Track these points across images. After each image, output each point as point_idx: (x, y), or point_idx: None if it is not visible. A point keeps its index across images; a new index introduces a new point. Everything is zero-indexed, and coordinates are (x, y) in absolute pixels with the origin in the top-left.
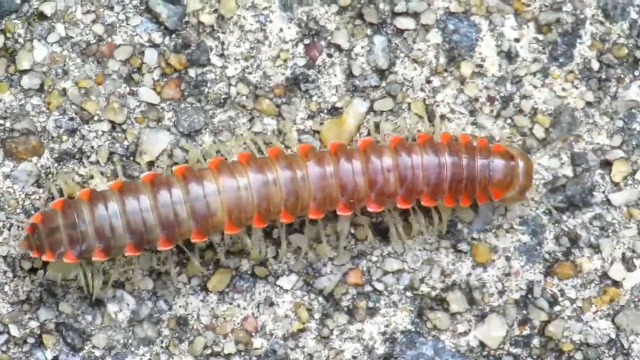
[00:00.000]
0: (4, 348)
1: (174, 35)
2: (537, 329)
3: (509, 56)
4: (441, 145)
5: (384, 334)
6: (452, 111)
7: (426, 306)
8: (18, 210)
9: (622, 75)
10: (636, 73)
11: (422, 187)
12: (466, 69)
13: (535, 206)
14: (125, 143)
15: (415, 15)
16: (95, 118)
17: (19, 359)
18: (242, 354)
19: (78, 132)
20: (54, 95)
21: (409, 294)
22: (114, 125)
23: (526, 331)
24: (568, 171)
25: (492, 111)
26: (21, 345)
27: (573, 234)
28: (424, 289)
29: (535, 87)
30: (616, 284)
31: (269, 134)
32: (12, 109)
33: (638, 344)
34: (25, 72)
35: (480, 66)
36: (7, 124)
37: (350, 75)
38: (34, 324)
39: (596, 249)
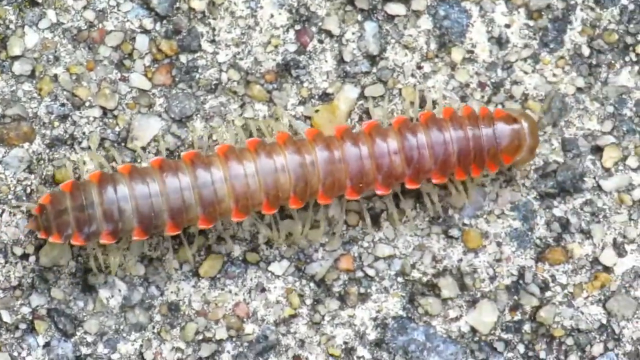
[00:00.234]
0: None
1: (165, 21)
2: (528, 315)
3: (500, 42)
4: (444, 121)
5: (375, 319)
6: (443, 97)
7: (417, 292)
8: (10, 196)
9: (612, 61)
10: (627, 59)
11: (430, 165)
12: (457, 54)
13: (527, 192)
14: (117, 129)
15: (406, 1)
16: (87, 104)
17: (11, 344)
18: (234, 339)
19: (69, 118)
20: (45, 81)
21: (400, 279)
22: (105, 111)
23: (517, 317)
24: (559, 157)
25: (483, 97)
26: (13, 331)
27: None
28: (415, 274)
29: (526, 73)
30: (607, 269)
31: (282, 121)
32: (4, 95)
33: (629, 329)
34: (16, 58)
35: (471, 52)
36: None
37: (341, 61)
38: (25, 310)
39: (587, 234)
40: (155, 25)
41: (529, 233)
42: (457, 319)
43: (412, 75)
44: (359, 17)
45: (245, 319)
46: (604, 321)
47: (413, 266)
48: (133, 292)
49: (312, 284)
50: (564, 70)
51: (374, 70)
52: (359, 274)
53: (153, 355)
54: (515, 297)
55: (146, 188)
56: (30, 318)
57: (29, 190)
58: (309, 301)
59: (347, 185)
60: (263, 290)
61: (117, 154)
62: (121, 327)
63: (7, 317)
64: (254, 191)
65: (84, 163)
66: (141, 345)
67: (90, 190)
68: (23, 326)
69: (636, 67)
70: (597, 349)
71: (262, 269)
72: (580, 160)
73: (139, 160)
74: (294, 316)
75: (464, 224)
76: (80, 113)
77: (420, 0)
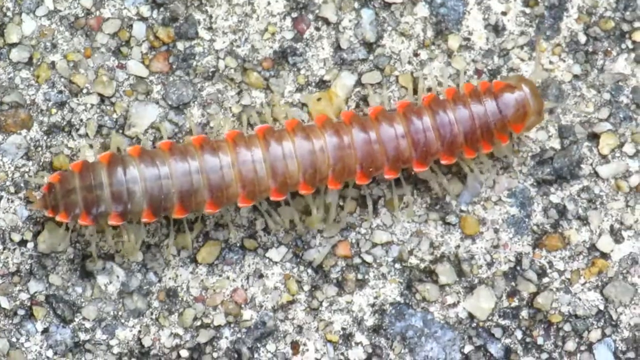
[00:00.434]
0: None
1: (162, 9)
2: (526, 301)
3: (496, 29)
4: (446, 102)
5: (373, 305)
6: (440, 84)
7: (415, 278)
8: (8, 183)
9: (609, 48)
10: (623, 46)
11: (437, 147)
12: (453, 42)
13: (524, 179)
14: (114, 116)
15: None
16: (84, 91)
17: (10, 330)
18: (232, 325)
19: (67, 105)
20: (42, 69)
21: (397, 265)
22: (102, 98)
23: (515, 303)
24: (556, 144)
25: None
26: (11, 317)
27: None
28: (413, 260)
29: (522, 60)
30: (604, 255)
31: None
32: (1, 82)
33: (626, 315)
34: (14, 45)
35: (468, 39)
36: None
37: (338, 48)
38: (24, 296)
39: (584, 221)
40: (152, 12)
41: (526, 220)
42: (454, 305)
43: (409, 63)
44: (356, 5)
45: (243, 305)
46: (602, 307)
47: (410, 252)
48: (131, 279)
49: (309, 270)
50: (560, 57)
51: (371, 57)
52: (357, 260)
53: (151, 341)
54: (513, 284)
55: (156, 170)
56: (29, 304)
57: (26, 177)
58: (306, 287)
59: (357, 170)
60: (261, 276)
61: (120, 139)
62: (119, 313)
63: (5, 304)
64: (261, 177)
65: (79, 151)
66: (139, 331)
67: (99, 171)
68: (21, 312)
69: (632, 55)
70: (595, 335)
71: (259, 256)
72: (577, 147)
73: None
74: (291, 302)
75: (461, 211)
76: (78, 100)
77: None
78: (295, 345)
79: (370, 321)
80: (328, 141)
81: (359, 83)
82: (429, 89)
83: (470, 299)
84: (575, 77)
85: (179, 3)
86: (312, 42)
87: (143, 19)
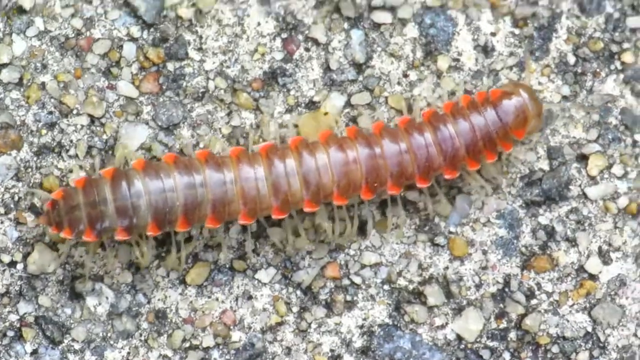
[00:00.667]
0: None
1: (152, 29)
2: (514, 322)
3: (486, 50)
4: (446, 116)
5: (361, 327)
6: (429, 105)
7: (404, 299)
8: None
9: (598, 69)
10: (612, 67)
11: (439, 162)
12: (443, 63)
13: (512, 200)
14: (104, 137)
15: (392, 10)
16: (74, 112)
17: None
18: (221, 347)
19: (57, 126)
20: (33, 89)
21: (386, 287)
22: (92, 119)
23: (503, 324)
24: (544, 165)
25: None
26: (1, 339)
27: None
28: (402, 282)
29: (511, 81)
30: (592, 277)
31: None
32: None
33: (614, 337)
34: (4, 65)
35: (457, 60)
36: None
37: (327, 69)
38: (13, 317)
39: (572, 242)
40: (142, 33)
41: (515, 241)
42: (443, 326)
43: (399, 84)
44: (346, 25)
45: (232, 327)
46: (590, 329)
47: (399, 274)
48: (120, 300)
49: (298, 292)
50: (549, 78)
51: (360, 78)
52: (346, 281)
53: None
54: (501, 305)
55: (160, 183)
56: (18, 325)
57: (16, 198)
58: (295, 309)
59: (362, 185)
60: (250, 297)
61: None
62: (108, 334)
63: None
64: (263, 195)
65: (71, 171)
66: (128, 353)
67: (103, 187)
68: (11, 334)
69: (621, 76)
70: (583, 356)
71: (248, 277)
72: (566, 168)
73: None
74: (280, 324)
75: (450, 232)
76: (68, 121)
77: (406, 8)
78: None
79: (358, 343)
80: (332, 157)
81: (348, 104)
82: (422, 110)
83: (458, 321)
84: (564, 98)
85: (169, 24)
86: (301, 63)
87: (133, 39)
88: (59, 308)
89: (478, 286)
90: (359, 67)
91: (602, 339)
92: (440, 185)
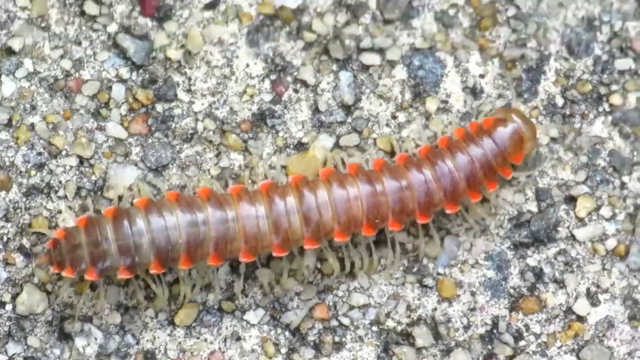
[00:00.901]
0: None
1: (141, 71)
2: None
3: (474, 92)
4: (443, 151)
5: None
6: (418, 146)
7: (392, 341)
8: None
9: (586, 111)
10: (600, 109)
11: (440, 198)
12: (431, 104)
13: (500, 242)
14: (93, 178)
15: (381, 51)
16: (63, 153)
17: None
18: None
19: (46, 167)
20: (22, 130)
21: (375, 328)
22: (81, 160)
23: None
24: (533, 206)
25: None
26: None
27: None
28: (390, 323)
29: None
30: (581, 319)
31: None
32: None
33: None
34: None
35: (446, 102)
36: None
37: (316, 110)
38: (2, 358)
39: (561, 284)
40: (131, 74)
41: (503, 282)
42: None
43: (387, 125)
44: (334, 67)
45: None
46: None
47: (388, 315)
48: (109, 341)
49: (287, 333)
50: (537, 120)
51: (349, 119)
52: (334, 322)
53: None
54: (489, 347)
55: (163, 221)
56: None
57: (5, 239)
58: (284, 350)
59: (363, 222)
60: (238, 339)
61: (91, 204)
62: None
63: None
64: (263, 233)
65: (60, 212)
66: None
67: (105, 225)
68: None
69: (610, 118)
70: None
71: (237, 318)
72: (554, 210)
73: None
74: None
75: (439, 274)
76: (57, 162)
77: (395, 50)
78: None
79: None
80: (333, 194)
81: (337, 145)
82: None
83: None
84: (553, 139)
85: (158, 65)
86: (290, 105)
87: (122, 80)
88: (47, 349)
89: (466, 327)
90: (347, 109)
91: None
92: (429, 227)
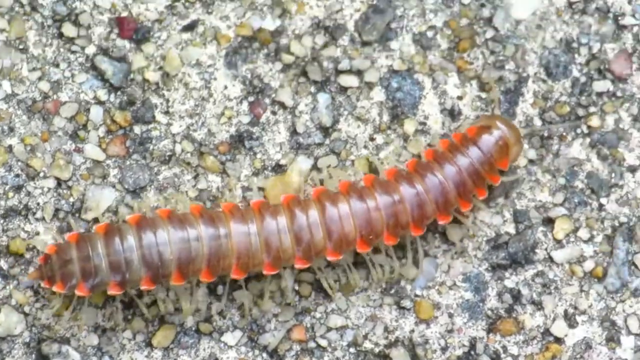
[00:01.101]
0: None
1: (119, 93)
2: None
3: (452, 114)
4: (431, 163)
5: None
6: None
7: None
8: None
9: (564, 133)
10: (578, 131)
11: (433, 208)
12: (409, 126)
13: (478, 263)
14: (71, 200)
15: (359, 73)
16: (41, 175)
17: None
18: None
19: (24, 189)
20: None
21: (352, 350)
22: (59, 182)
23: None
24: (510, 228)
25: None
26: None
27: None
28: (368, 345)
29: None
30: (558, 340)
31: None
32: None
33: None
34: None
35: (424, 124)
36: None
37: (294, 132)
38: None
39: (538, 305)
40: (109, 96)
41: (481, 304)
42: None
43: (365, 147)
44: (312, 89)
45: None
46: None
47: (365, 337)
48: None
49: (264, 355)
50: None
51: (327, 141)
52: (312, 344)
53: None
54: None
55: (154, 237)
56: None
57: None
58: None
59: (357, 239)
60: None
61: (74, 224)
62: None
63: None
64: (255, 250)
65: (38, 234)
66: None
67: (96, 242)
68: None
69: (588, 139)
70: None
71: (215, 339)
72: (532, 232)
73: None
74: None
75: (416, 295)
76: (35, 184)
77: (373, 72)
78: None
79: None
80: (325, 213)
81: (315, 167)
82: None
83: None
84: (531, 162)
85: (136, 87)
86: (268, 126)
87: (100, 102)
88: None
89: (444, 349)
90: (325, 131)
91: None
92: (407, 248)
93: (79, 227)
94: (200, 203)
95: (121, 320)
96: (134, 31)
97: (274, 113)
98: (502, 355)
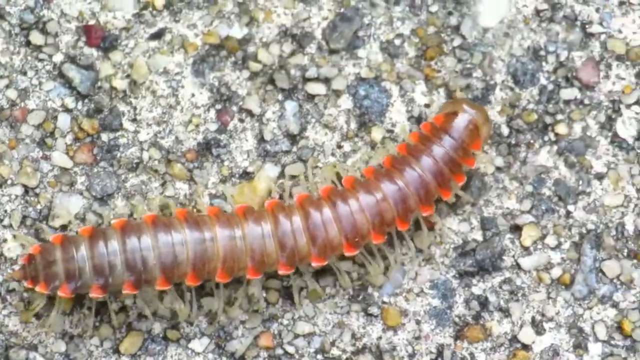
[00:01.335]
0: None
1: (86, 100)
2: None
3: (420, 121)
4: (407, 157)
5: None
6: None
7: None
8: None
9: (531, 141)
10: (545, 138)
11: (415, 201)
12: (377, 134)
13: (446, 270)
14: (38, 207)
15: (326, 81)
16: (9, 182)
17: None
18: None
19: None
20: None
21: (320, 357)
22: (27, 189)
23: None
24: (478, 235)
25: None
26: None
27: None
28: (335, 352)
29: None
30: (526, 347)
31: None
32: None
33: None
34: None
35: (391, 131)
36: None
37: (261, 140)
38: None
39: (506, 312)
40: (77, 104)
41: (448, 311)
42: None
43: (332, 155)
44: (280, 97)
45: None
46: None
47: (333, 344)
48: None
49: None
50: (483, 149)
51: (295, 149)
52: (279, 351)
53: None
54: None
55: (137, 242)
56: None
57: None
58: None
59: (343, 243)
60: None
61: (47, 230)
62: None
63: None
64: (240, 254)
65: (5, 241)
66: None
67: (81, 244)
68: None
69: (555, 147)
70: None
71: (182, 346)
72: (499, 239)
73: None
74: None
75: (384, 302)
76: (2, 191)
77: (340, 80)
78: None
79: None
80: (309, 219)
81: (282, 175)
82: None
83: None
84: (498, 169)
85: (104, 95)
86: (235, 134)
87: (68, 110)
88: None
89: (411, 356)
90: (293, 138)
91: None
92: (375, 255)
93: (46, 234)
94: (187, 207)
95: (91, 325)
96: (102, 39)
97: (241, 121)
98: None
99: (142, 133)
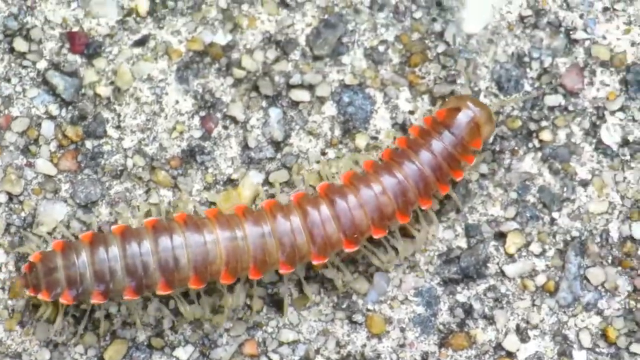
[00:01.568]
0: None
1: (70, 107)
2: None
3: (404, 128)
4: (407, 151)
5: None
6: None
7: None
8: None
9: (516, 148)
10: (530, 145)
11: (415, 194)
12: (361, 140)
13: (430, 278)
14: (22, 214)
15: (310, 88)
16: None
17: None
18: None
19: None
20: None
21: None
22: (11, 196)
23: None
24: (462, 243)
25: None
26: None
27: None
28: (319, 359)
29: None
30: (510, 354)
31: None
32: None
33: None
34: None
35: (375, 138)
36: None
37: (245, 147)
38: None
39: (490, 320)
40: (61, 111)
41: (433, 319)
42: None
43: (317, 162)
44: (264, 104)
45: None
46: None
47: (317, 351)
48: None
49: None
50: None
51: (279, 156)
52: (263, 359)
53: None
54: None
55: (137, 248)
56: None
57: None
58: None
59: (342, 239)
60: None
61: (33, 238)
62: None
63: None
64: (242, 254)
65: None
66: None
67: (81, 250)
68: None
69: (539, 154)
70: None
71: (166, 354)
72: (484, 246)
73: (45, 246)
74: None
75: (368, 310)
76: None
77: (324, 86)
78: None
79: None
80: (307, 217)
81: (266, 182)
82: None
83: None
84: (482, 176)
85: (88, 102)
86: (220, 141)
87: (52, 117)
88: None
89: None
90: (277, 145)
91: None
92: (359, 262)
93: (30, 241)
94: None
95: (82, 330)
96: (85, 46)
97: (225, 128)
98: None
99: (126, 140)
